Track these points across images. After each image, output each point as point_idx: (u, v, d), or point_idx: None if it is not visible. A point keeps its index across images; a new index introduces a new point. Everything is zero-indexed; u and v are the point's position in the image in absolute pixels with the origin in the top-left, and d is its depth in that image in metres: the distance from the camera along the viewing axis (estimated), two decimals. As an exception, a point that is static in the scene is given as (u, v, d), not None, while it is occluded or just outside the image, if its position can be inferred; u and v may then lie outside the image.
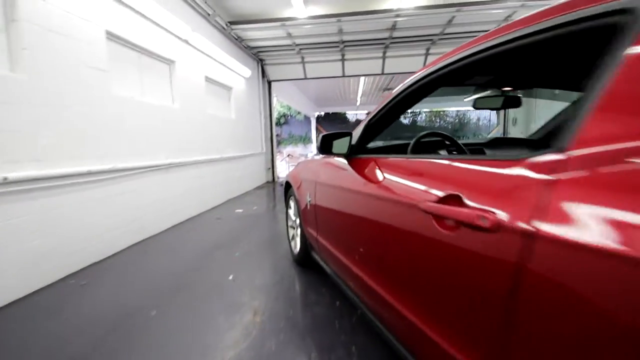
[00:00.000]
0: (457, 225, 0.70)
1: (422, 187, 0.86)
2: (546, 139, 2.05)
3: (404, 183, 0.97)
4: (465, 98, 14.08)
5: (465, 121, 20.11)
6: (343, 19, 5.12)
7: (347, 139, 1.44)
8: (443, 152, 1.71)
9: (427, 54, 6.96)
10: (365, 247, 1.23)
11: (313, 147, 18.32)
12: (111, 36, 2.86)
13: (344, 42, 6.34)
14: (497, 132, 16.46)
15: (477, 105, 1.65)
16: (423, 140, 1.52)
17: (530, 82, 1.55)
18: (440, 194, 0.78)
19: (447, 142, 1.75)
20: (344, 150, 1.42)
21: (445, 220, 0.74)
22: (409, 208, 0.88)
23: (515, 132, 8.39)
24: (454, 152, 1.74)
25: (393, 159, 1.16)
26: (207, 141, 4.60)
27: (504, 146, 1.92)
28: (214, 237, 3.17)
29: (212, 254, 2.70)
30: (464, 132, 19.52)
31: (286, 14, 5.25)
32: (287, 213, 2.58)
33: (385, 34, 6.04)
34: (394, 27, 5.71)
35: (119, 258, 2.66)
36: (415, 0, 4.82)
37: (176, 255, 2.71)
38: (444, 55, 1.00)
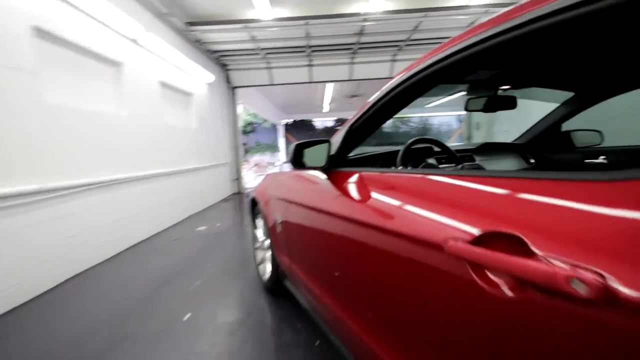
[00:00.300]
0: (519, 284, 0.45)
1: (443, 219, 0.60)
2: (534, 143, 1.92)
3: (409, 210, 0.71)
4: (427, 104, 14.45)
5: (428, 126, 20.73)
6: (310, 22, 4.91)
7: (324, 147, 1.17)
8: (432, 161, 1.49)
9: (393, 61, 6.95)
10: (354, 289, 0.96)
11: (281, 155, 17.92)
12: (40, 32, 2.41)
13: (311, 47, 6.13)
14: (459, 136, 17.06)
15: (469, 107, 1.46)
16: (413, 147, 1.30)
17: (530, 79, 1.38)
18: (476, 231, 0.52)
19: (436, 149, 1.54)
20: (322, 162, 1.15)
21: (495, 273, 0.49)
22: (423, 246, 0.62)
23: (478, 136, 8.58)
24: (444, 161, 1.54)
25: (387, 173, 0.91)
26: (163, 152, 4.14)
27: (495, 152, 1.75)
28: (169, 264, 2.75)
29: (165, 286, 2.29)
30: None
31: (250, 15, 4.95)
32: (253, 234, 2.25)
33: (353, 39, 5.92)
34: (361, 32, 5.60)
35: (45, 299, 2.18)
36: (383, 4, 4.72)
37: (120, 291, 2.27)
38: (443, 44, 0.77)
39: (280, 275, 1.79)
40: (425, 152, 1.50)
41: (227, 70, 7.03)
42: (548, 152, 1.86)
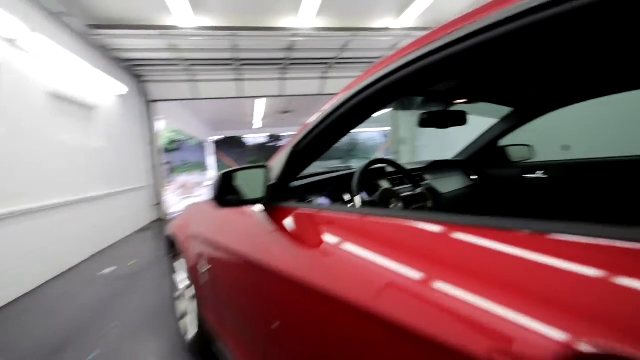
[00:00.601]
0: None
1: (483, 304, 0.37)
2: (474, 159, 1.90)
3: (406, 281, 0.47)
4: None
5: (355, 142, 21.71)
6: (237, 33, 4.61)
7: (261, 174, 0.89)
8: (386, 184, 1.32)
9: (323, 78, 7.00)
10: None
11: (210, 174, 16.77)
12: None
13: (239, 60, 5.80)
14: (385, 151, 18.07)
15: (422, 123, 1.33)
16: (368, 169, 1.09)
17: (477, 93, 1.30)
18: (569, 341, 0.29)
19: (388, 170, 1.37)
20: (258, 194, 0.86)
21: None
22: (438, 352, 0.38)
23: (404, 150, 9.09)
24: (397, 182, 1.38)
25: (354, 215, 0.67)
26: (56, 178, 3.35)
27: (442, 169, 1.68)
28: (60, 326, 2.10)
29: (48, 360, 1.70)
30: (356, 153, 20.86)
31: (168, 22, 4.45)
32: (171, 280, 1.81)
33: (283, 54, 5.77)
34: (291, 48, 5.49)
35: None
36: (313, 21, 4.67)
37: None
38: (414, 42, 0.58)
39: (207, 336, 1.40)
40: (377, 173, 1.32)
41: (143, 81, 6.27)
42: (487, 168, 1.87)
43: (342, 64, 6.52)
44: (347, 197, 1.13)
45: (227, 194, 0.84)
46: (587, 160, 1.44)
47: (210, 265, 1.15)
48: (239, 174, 0.89)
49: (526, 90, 1.39)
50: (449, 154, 2.06)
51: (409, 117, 8.64)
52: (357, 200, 0.93)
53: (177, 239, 1.55)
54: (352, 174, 1.11)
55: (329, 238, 0.66)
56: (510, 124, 1.64)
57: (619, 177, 1.32)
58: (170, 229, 1.68)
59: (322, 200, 1.10)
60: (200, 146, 17.81)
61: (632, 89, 1.14)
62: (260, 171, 0.89)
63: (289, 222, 0.79)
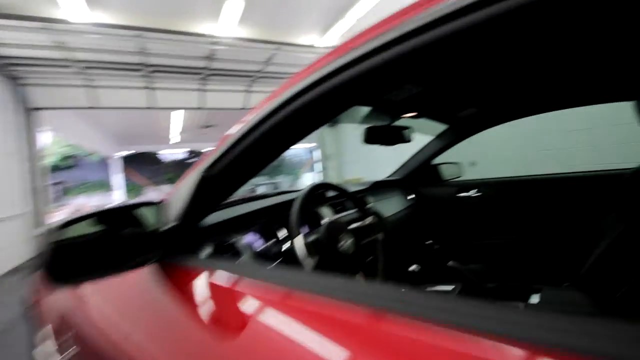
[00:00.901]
0: None
1: None
2: (411, 178, 1.84)
3: None
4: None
5: (282, 158, 21.45)
6: (144, 34, 4.04)
7: (150, 213, 0.59)
8: (327, 210, 1.10)
9: (248, 92, 6.66)
10: None
11: (116, 195, 14.58)
12: None
13: (150, 65, 5.13)
14: (310, 168, 18.15)
15: (367, 138, 1.15)
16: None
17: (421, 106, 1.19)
18: None
19: (329, 194, 1.16)
20: (144, 249, 0.55)
21: None
22: None
23: (331, 166, 9.21)
24: (339, 208, 1.18)
25: (305, 293, 0.41)
26: None
27: (382, 189, 1.55)
28: None
29: None
30: (282, 169, 20.61)
31: (56, 14, 3.66)
32: (31, 358, 1.28)
33: (203, 63, 5.31)
34: (211, 57, 5.08)
35: None
36: (235, 30, 4.37)
37: None
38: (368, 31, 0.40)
39: None
40: (315, 199, 1.10)
41: (22, 84, 5.08)
42: (422, 187, 1.82)
43: (268, 78, 6.32)
44: (282, 233, 0.88)
45: (65, 260, 0.50)
46: (519, 178, 1.45)
47: (79, 348, 0.76)
48: (105, 218, 0.56)
49: (460, 107, 1.34)
50: (374, 169, 1.98)
51: (334, 134, 8.83)
52: (298, 242, 0.69)
53: (38, 300, 1.08)
54: (288, 202, 0.87)
55: (252, 328, 0.40)
56: (445, 142, 1.61)
57: (548, 193, 1.34)
58: (29, 286, 1.18)
59: (250, 240, 0.83)
60: (104, 163, 15.47)
61: (564, 107, 1.15)
62: (150, 209, 0.58)
63: (194, 292, 0.50)
